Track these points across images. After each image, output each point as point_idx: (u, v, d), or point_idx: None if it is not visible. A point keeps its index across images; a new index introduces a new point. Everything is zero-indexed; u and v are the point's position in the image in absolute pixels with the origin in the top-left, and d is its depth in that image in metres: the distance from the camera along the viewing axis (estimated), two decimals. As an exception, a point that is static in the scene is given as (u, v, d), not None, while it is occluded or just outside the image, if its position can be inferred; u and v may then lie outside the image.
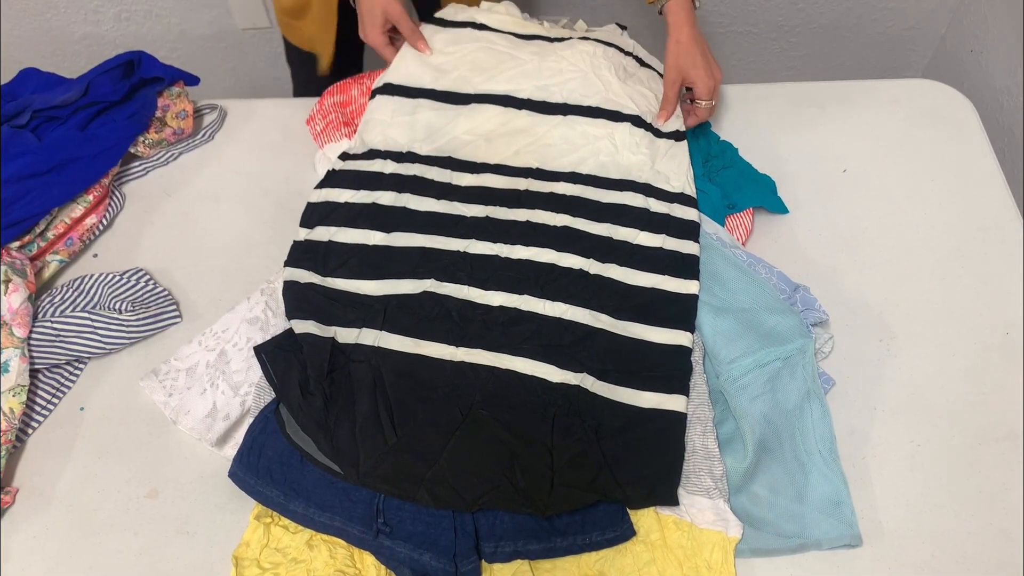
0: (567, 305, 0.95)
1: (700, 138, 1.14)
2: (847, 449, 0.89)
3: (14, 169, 1.06)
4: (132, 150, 1.18)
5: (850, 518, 0.83)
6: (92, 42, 1.92)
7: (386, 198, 1.06)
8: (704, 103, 1.09)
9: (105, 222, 1.13)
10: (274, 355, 0.92)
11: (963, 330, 0.98)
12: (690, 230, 1.02)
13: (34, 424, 0.95)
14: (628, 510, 0.83)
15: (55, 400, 0.97)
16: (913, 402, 0.93)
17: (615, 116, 1.11)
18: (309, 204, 1.07)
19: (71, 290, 1.03)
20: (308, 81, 1.41)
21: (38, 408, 0.96)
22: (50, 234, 1.08)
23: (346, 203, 1.06)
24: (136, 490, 0.90)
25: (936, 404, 0.92)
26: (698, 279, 0.98)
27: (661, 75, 1.15)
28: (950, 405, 0.92)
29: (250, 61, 2.00)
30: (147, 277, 1.05)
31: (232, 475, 0.87)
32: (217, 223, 1.14)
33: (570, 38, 1.18)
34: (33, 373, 0.96)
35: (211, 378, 0.95)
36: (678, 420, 0.87)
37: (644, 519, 0.83)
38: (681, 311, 0.95)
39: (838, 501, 0.84)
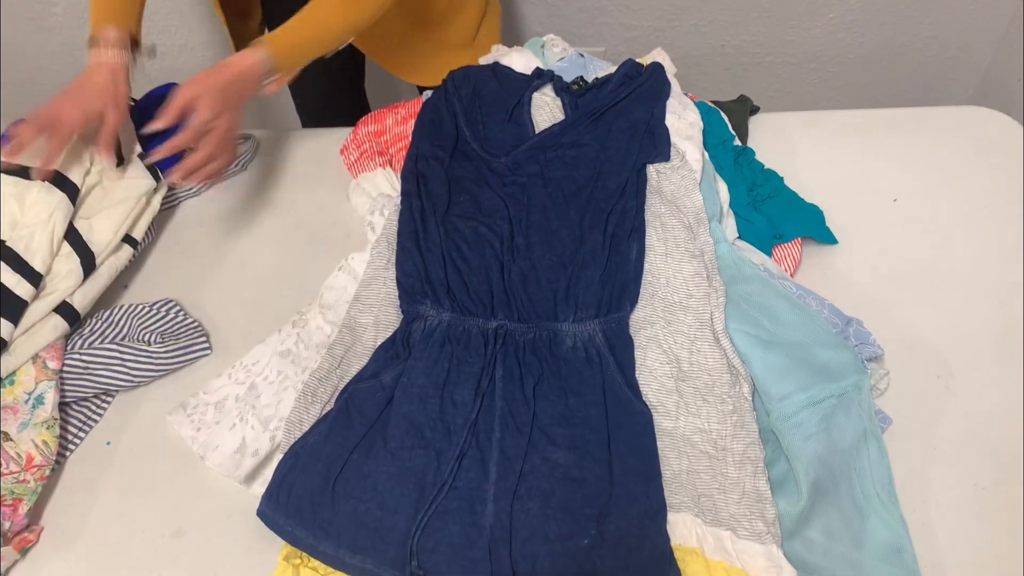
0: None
1: (744, 166, 1.11)
2: (907, 492, 0.84)
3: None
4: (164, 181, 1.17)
5: (912, 566, 0.78)
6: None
7: None
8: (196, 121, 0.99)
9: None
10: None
11: (1026, 365, 0.94)
12: None
13: (60, 459, 0.93)
14: (675, 555, 0.79)
15: (81, 435, 0.95)
16: (976, 442, 0.88)
17: None
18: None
19: (100, 322, 1.01)
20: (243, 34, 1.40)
21: (64, 443, 0.94)
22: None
23: None
24: (162, 529, 0.87)
25: (1001, 444, 0.88)
26: None
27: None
28: (1016, 445, 0.87)
29: (282, 92, 2.01)
30: (177, 308, 1.03)
31: (260, 514, 0.84)
32: (249, 255, 1.13)
33: None
34: (61, 407, 0.94)
35: (240, 412, 0.92)
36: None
37: (692, 565, 0.79)
38: None
39: (899, 548, 0.79)
